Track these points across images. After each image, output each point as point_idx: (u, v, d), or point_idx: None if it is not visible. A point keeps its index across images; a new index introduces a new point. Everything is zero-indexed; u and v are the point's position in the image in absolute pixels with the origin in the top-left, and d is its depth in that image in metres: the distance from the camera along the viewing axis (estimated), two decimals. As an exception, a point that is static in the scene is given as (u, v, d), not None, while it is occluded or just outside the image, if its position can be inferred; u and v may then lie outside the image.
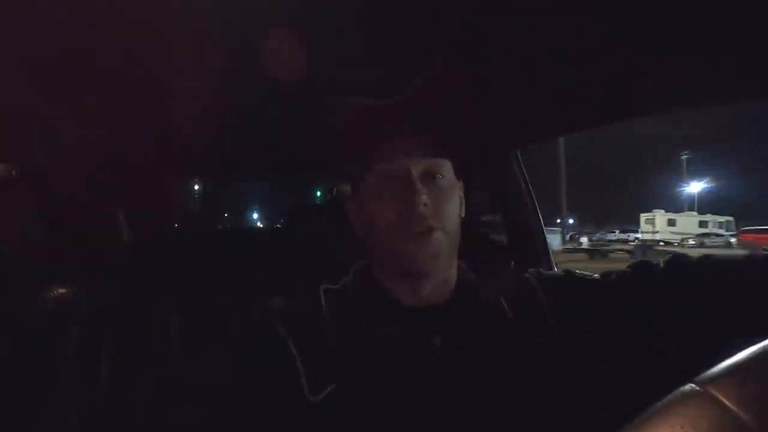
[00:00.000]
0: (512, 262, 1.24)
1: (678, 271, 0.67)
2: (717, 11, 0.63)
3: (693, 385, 0.29)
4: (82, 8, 0.73)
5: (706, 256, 0.68)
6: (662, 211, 26.41)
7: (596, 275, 0.74)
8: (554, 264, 1.49)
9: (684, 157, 30.47)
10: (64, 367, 0.84)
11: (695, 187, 30.70)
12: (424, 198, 0.62)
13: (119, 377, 1.13)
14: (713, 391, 0.28)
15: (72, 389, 0.84)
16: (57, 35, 0.82)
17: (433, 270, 0.65)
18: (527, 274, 0.74)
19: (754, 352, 0.31)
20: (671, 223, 24.78)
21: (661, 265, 0.69)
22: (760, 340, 0.33)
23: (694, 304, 0.62)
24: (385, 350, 0.62)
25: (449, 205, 0.66)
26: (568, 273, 0.74)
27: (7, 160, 1.31)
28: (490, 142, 1.43)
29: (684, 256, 0.70)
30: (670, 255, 0.70)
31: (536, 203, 1.51)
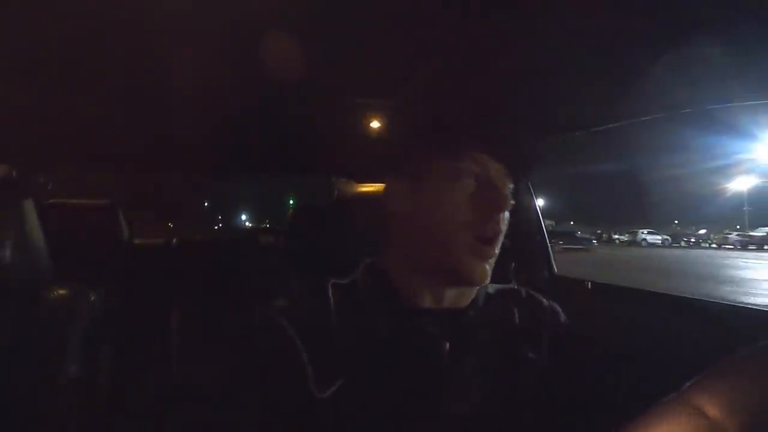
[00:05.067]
0: (513, 263, 1.24)
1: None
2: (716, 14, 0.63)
3: (675, 394, 0.31)
4: (83, 8, 0.73)
5: None
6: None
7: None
8: (554, 265, 1.49)
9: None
10: (63, 368, 0.83)
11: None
12: (511, 202, 0.57)
13: (119, 377, 1.13)
14: (693, 400, 0.30)
15: (72, 389, 0.84)
16: (58, 35, 0.82)
17: (480, 283, 0.60)
18: (527, 288, 0.73)
19: (730, 360, 0.32)
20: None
21: None
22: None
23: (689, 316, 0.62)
24: (394, 348, 0.61)
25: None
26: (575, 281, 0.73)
27: (7, 160, 1.30)
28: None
29: None
30: None
31: (537, 204, 1.51)
